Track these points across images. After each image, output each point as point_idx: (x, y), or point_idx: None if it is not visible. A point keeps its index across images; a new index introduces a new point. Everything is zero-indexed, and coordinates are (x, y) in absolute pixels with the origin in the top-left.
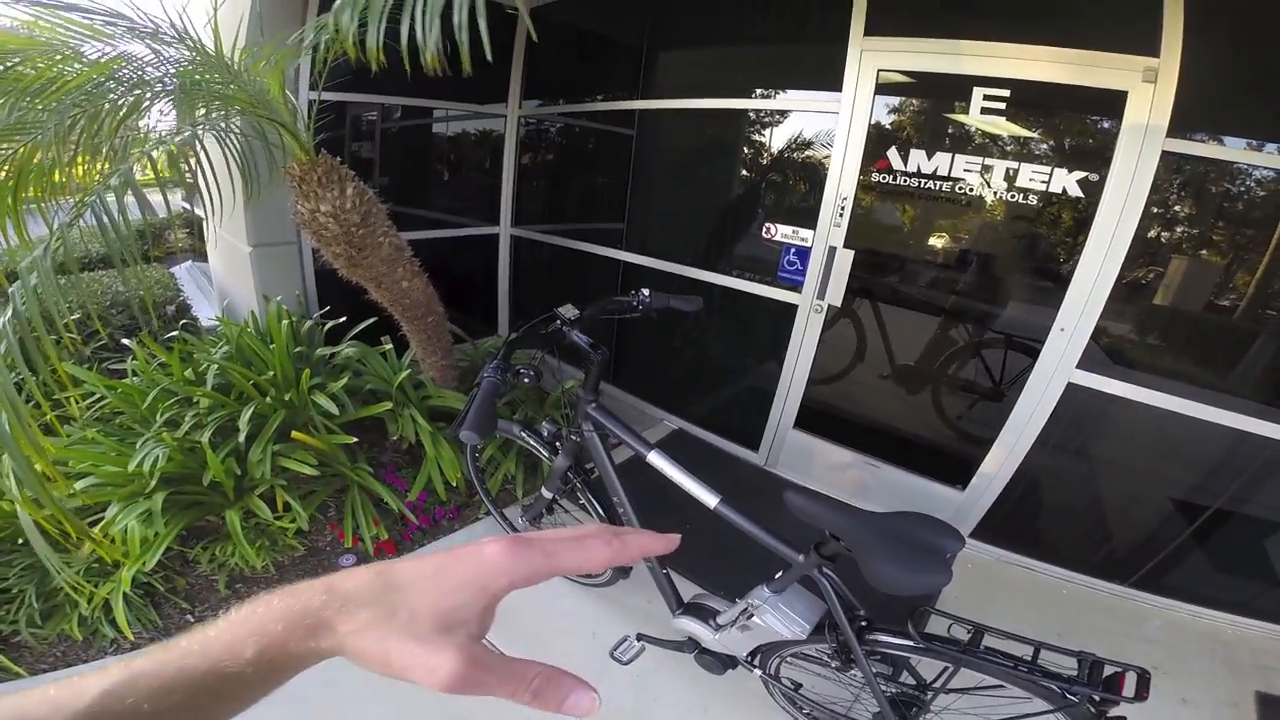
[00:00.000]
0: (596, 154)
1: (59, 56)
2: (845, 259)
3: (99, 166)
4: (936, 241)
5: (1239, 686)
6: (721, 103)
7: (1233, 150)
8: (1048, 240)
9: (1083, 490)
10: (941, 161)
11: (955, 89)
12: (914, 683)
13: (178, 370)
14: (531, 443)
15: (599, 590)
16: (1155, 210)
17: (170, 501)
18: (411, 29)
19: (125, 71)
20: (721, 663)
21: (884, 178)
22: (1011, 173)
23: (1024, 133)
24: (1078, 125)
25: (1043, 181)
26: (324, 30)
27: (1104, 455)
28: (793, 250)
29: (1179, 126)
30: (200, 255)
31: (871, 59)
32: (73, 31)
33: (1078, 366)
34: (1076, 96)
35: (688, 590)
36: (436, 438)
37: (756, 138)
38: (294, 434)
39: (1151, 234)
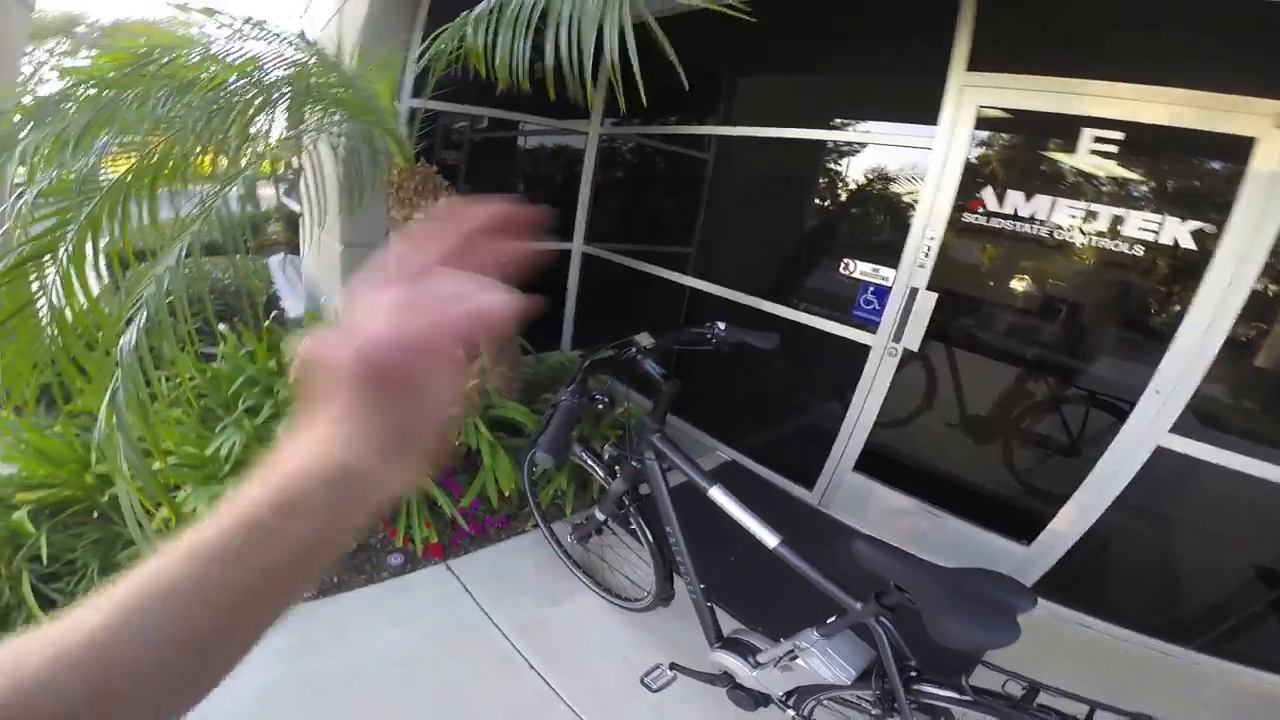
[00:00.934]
0: (671, 176)
1: (201, 57)
2: (927, 302)
3: (221, 161)
4: (1027, 288)
5: None
6: (806, 133)
7: None
8: (1150, 295)
9: (1156, 553)
10: (1041, 205)
11: (1061, 129)
12: None
13: (263, 359)
14: (590, 463)
15: (637, 615)
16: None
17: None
18: (556, 45)
19: (255, 72)
20: (754, 700)
21: (977, 219)
22: (1118, 220)
23: (1135, 178)
24: (1196, 173)
25: (1152, 231)
26: (445, 40)
27: (1183, 519)
28: (871, 289)
29: None
30: (291, 248)
31: (973, 95)
32: (212, 32)
33: (1170, 430)
34: (1196, 142)
35: (728, 625)
36: (495, 447)
37: (839, 170)
38: None
39: (1269, 292)
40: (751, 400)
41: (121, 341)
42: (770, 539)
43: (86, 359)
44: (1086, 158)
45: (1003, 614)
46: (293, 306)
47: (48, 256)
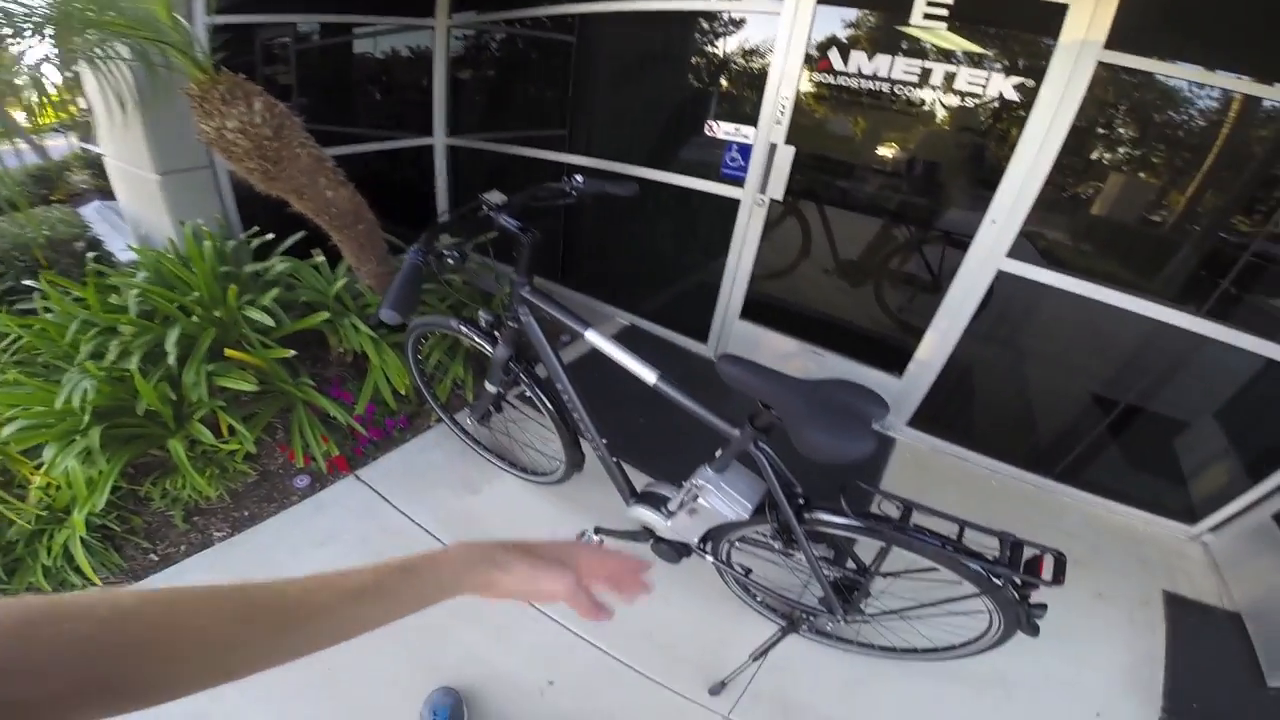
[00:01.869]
0: (536, 61)
1: None
2: (786, 155)
3: None
4: (877, 142)
5: (1149, 583)
6: (663, 4)
7: (1165, 64)
8: (984, 141)
9: (1011, 381)
10: (882, 64)
11: None
12: (855, 567)
13: (95, 302)
14: (469, 333)
15: (554, 488)
16: (1088, 115)
17: (108, 436)
18: None
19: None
20: (676, 551)
21: (824, 78)
22: (950, 77)
23: (964, 42)
24: (1017, 34)
25: (980, 86)
26: None
27: (1030, 347)
28: (735, 147)
29: (1117, 39)
30: (108, 195)
31: None
32: None
33: (1007, 255)
34: (1018, 7)
35: (640, 481)
36: (380, 345)
37: (698, 41)
38: (228, 352)
39: (1082, 139)
40: (643, 265)
41: None
42: (649, 375)
43: None
44: (921, 21)
45: (860, 422)
46: (121, 249)
47: None
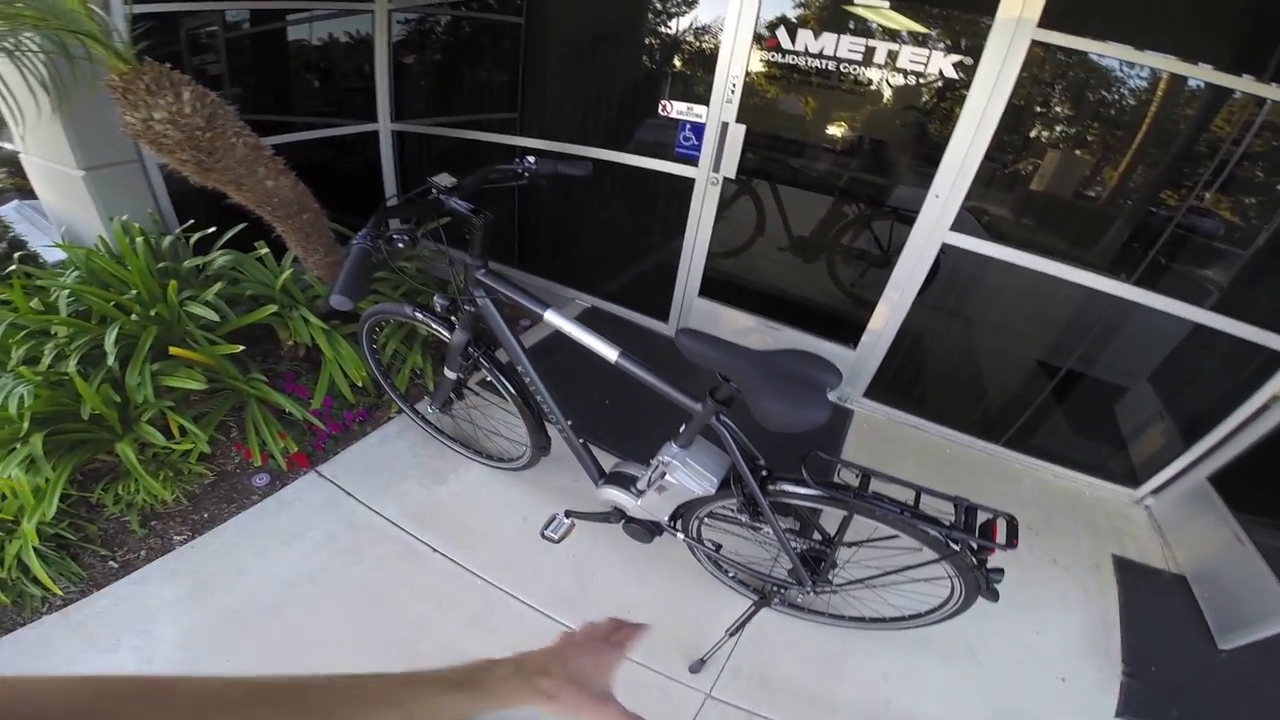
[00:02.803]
0: (484, 44)
1: None
2: (738, 133)
3: None
4: (825, 120)
5: (1099, 548)
6: None
7: (1096, 44)
8: (926, 119)
9: (959, 351)
10: (828, 43)
11: None
12: (820, 538)
13: (22, 303)
14: (424, 319)
15: (522, 475)
16: (1023, 93)
17: (52, 443)
18: None
19: None
20: (648, 530)
21: (773, 57)
22: (893, 55)
23: (905, 20)
24: (955, 13)
25: (922, 64)
26: None
27: (976, 317)
28: (688, 126)
29: (1049, 18)
30: (29, 193)
31: None
32: None
33: (951, 229)
34: None
35: (608, 463)
36: (333, 337)
37: (650, 20)
38: (172, 350)
39: (1019, 116)
40: (601, 246)
41: None
42: (610, 353)
43: None
44: (864, 6)
45: (815, 390)
46: (47, 250)
47: None
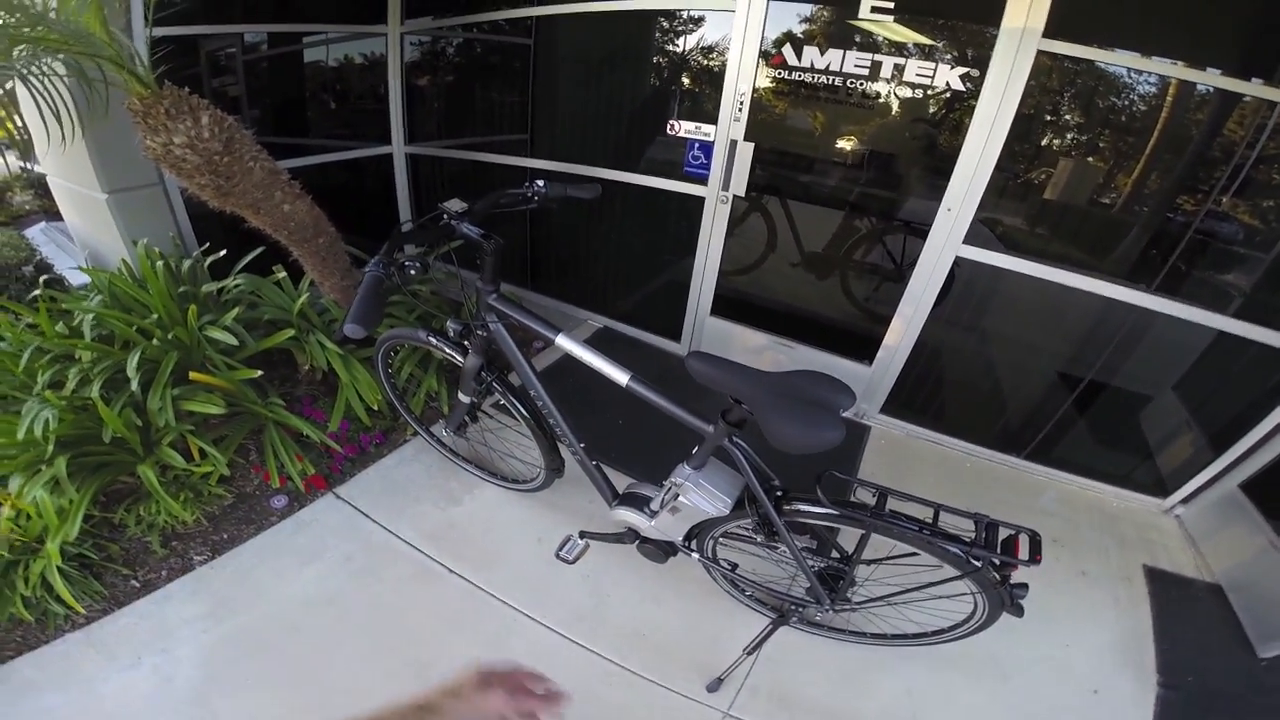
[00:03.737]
0: (495, 66)
1: None
2: (746, 151)
3: None
4: (833, 135)
5: (1129, 560)
6: (620, 5)
7: (1102, 52)
8: (935, 131)
9: (977, 364)
10: (834, 58)
11: None
12: (838, 556)
13: (48, 327)
14: (438, 344)
15: (537, 496)
16: (1032, 102)
17: (76, 465)
18: None
19: None
20: (662, 550)
21: (780, 74)
22: (900, 69)
23: (910, 33)
24: (960, 25)
25: (928, 77)
26: None
27: (993, 330)
28: (697, 145)
29: (1055, 28)
30: (55, 215)
31: None
32: None
33: (964, 242)
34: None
35: (621, 483)
36: (349, 361)
37: (656, 41)
38: (192, 375)
39: (1028, 126)
40: (612, 267)
41: None
42: (621, 376)
43: None
44: (869, 15)
45: (828, 411)
46: (72, 272)
47: None
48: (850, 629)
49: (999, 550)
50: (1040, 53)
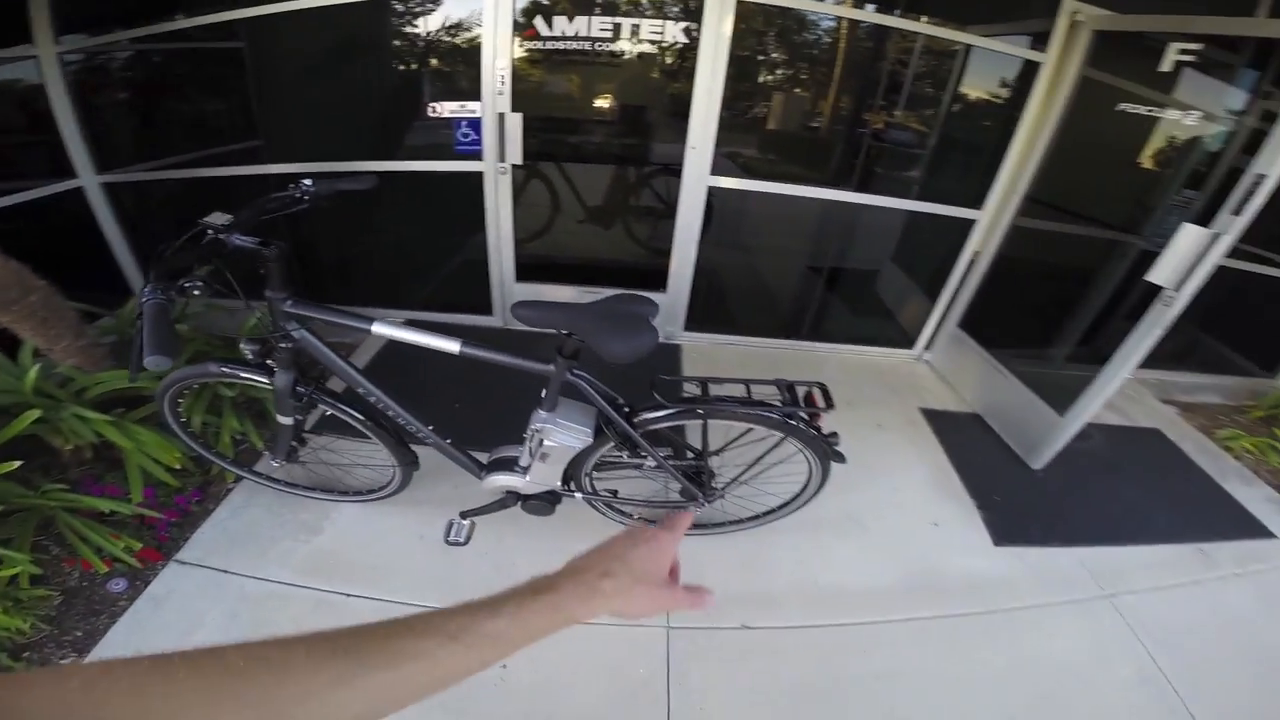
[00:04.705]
0: (200, 73)
1: None
2: (515, 121)
3: None
4: (591, 96)
5: (907, 405)
6: None
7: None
8: (672, 81)
9: (747, 272)
10: (580, 25)
11: None
12: (692, 455)
13: None
14: (235, 373)
15: (400, 498)
16: (742, 45)
17: None
18: None
19: None
20: (547, 501)
21: (535, 45)
22: (636, 28)
23: None
24: None
25: (659, 33)
26: None
27: (752, 242)
28: (464, 123)
29: None
30: None
31: None
32: None
33: (712, 173)
34: None
35: (480, 458)
36: (124, 426)
37: (403, 24)
38: None
39: (742, 66)
40: (402, 259)
41: None
42: (452, 346)
43: None
44: None
45: (641, 321)
46: None
47: None
48: (731, 520)
49: (803, 404)
50: (740, 3)
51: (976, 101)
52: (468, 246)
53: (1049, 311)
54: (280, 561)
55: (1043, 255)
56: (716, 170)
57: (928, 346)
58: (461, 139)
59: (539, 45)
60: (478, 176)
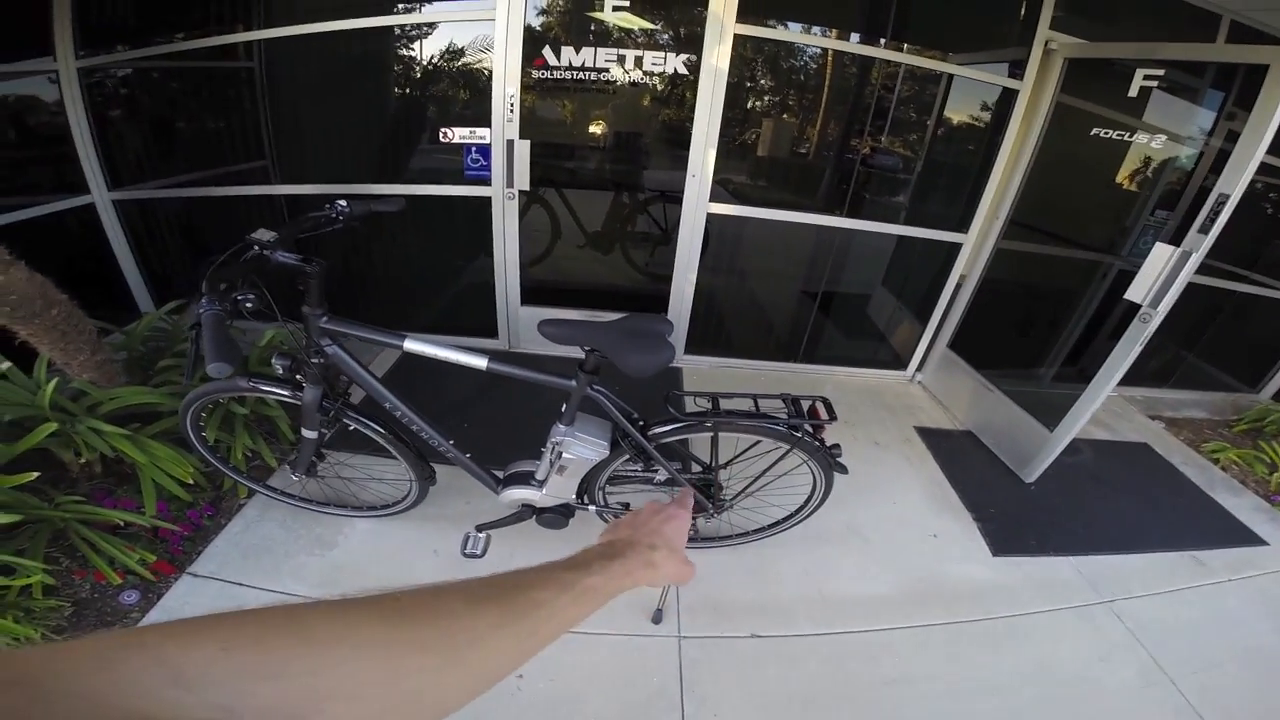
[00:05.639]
0: (215, 92)
1: None
2: (524, 148)
3: None
4: (596, 124)
5: (902, 424)
6: (373, 21)
7: (775, 30)
8: (673, 110)
9: (744, 297)
10: (587, 55)
11: None
12: (700, 469)
13: None
14: (263, 388)
15: (412, 514)
16: (737, 75)
17: None
18: None
19: None
20: (562, 514)
21: (543, 74)
22: (639, 59)
23: (643, 21)
24: (679, 17)
25: (660, 64)
26: None
27: (748, 267)
28: (474, 149)
29: (743, 14)
30: None
31: None
32: None
33: (710, 200)
34: None
35: (494, 471)
36: (140, 441)
37: (416, 52)
38: None
39: (738, 95)
40: (414, 283)
41: None
42: (479, 362)
43: None
44: (611, 13)
45: (660, 338)
46: None
47: None
48: (738, 532)
49: (807, 417)
50: (736, 35)
51: (959, 127)
52: (474, 269)
53: (1035, 331)
54: (295, 575)
55: (1027, 277)
56: (715, 197)
57: (919, 368)
58: (471, 164)
59: (547, 75)
60: (486, 201)
